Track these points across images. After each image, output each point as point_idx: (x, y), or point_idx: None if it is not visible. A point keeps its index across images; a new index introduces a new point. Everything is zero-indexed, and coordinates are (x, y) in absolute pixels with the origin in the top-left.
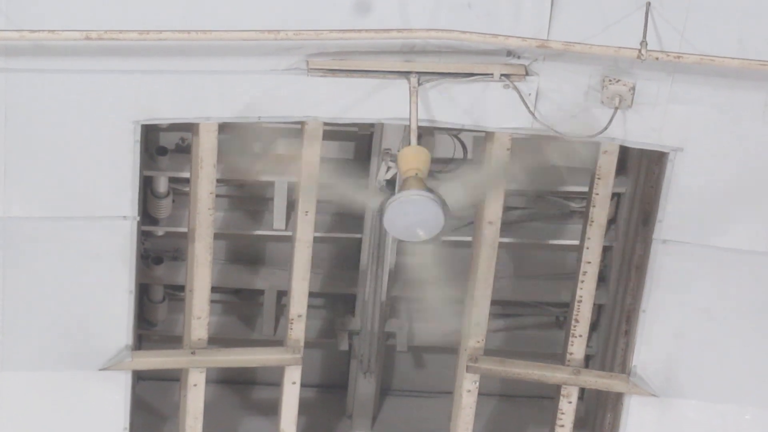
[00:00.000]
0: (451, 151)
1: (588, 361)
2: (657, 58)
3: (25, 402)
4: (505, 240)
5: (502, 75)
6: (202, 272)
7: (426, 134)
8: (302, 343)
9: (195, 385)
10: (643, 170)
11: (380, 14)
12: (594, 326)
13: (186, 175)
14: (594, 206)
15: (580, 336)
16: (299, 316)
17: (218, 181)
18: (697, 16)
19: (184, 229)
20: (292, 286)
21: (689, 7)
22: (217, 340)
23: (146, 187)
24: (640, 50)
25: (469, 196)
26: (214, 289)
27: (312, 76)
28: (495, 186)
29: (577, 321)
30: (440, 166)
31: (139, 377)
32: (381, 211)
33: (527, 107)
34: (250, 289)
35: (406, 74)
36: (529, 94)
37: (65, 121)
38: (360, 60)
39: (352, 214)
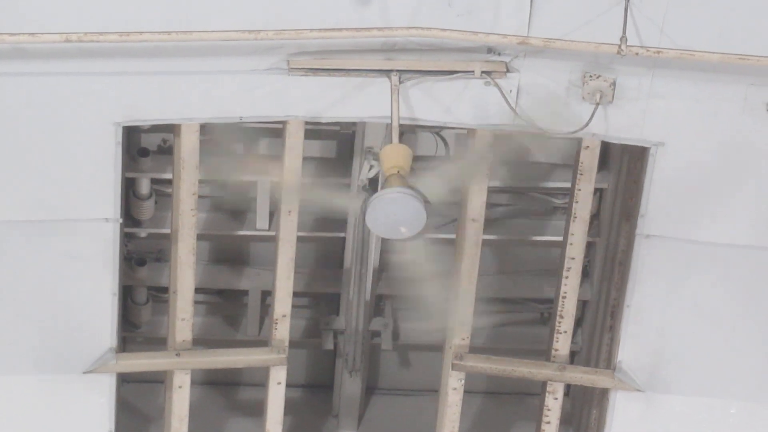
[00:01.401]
0: (433, 148)
1: (573, 357)
2: (637, 54)
3: (9, 406)
4: (489, 237)
5: (483, 72)
6: (185, 273)
7: (408, 132)
8: (287, 343)
9: (180, 387)
10: (624, 165)
11: (361, 13)
12: (579, 322)
13: (168, 176)
14: (577, 202)
15: (565, 332)
16: (283, 316)
17: (200, 181)
18: (676, 10)
19: (167, 231)
20: (276, 286)
21: (668, 2)
22: (201, 342)
23: (128, 188)
24: (619, 46)
25: (448, 186)
26: (197, 290)
27: (293, 76)
28: (474, 176)
29: (561, 317)
30: (423, 163)
31: (124, 380)
32: (364, 210)
33: (509, 104)
34: (234, 289)
35: (387, 72)
36: (510, 91)
37: (46, 124)
38: (341, 59)
39: (335, 214)
